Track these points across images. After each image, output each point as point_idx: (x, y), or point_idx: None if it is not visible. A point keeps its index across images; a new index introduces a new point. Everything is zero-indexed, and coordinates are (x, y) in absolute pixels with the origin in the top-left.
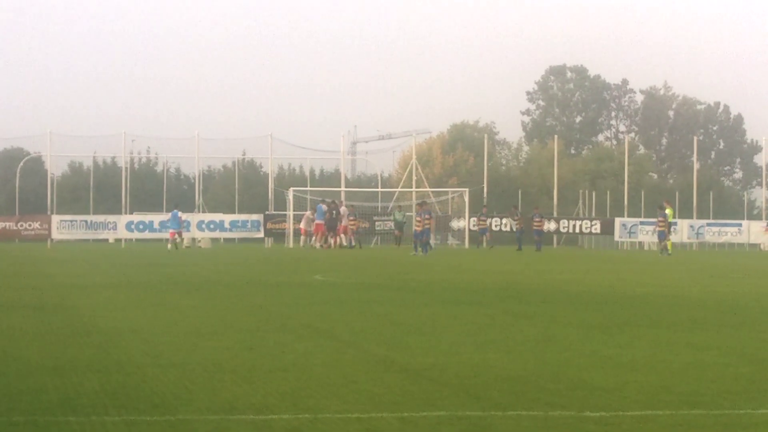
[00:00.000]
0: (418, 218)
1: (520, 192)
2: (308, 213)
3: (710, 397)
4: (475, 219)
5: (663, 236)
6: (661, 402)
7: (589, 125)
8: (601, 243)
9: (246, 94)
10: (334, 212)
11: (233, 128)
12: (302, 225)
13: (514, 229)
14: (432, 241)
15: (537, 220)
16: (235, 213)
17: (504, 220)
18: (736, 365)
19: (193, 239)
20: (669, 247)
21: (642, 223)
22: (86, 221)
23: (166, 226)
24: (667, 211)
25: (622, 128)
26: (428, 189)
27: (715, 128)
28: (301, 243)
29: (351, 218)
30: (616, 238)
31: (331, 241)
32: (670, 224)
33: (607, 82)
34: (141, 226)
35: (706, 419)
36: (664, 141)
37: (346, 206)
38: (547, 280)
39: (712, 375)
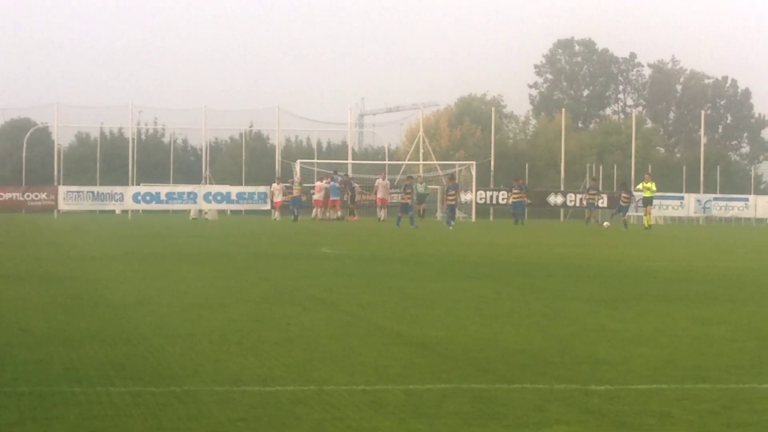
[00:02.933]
0: (452, 192)
1: (527, 165)
2: (322, 183)
3: (716, 371)
4: (584, 194)
5: (624, 210)
6: (666, 376)
7: (597, 99)
8: (608, 217)
9: (253, 65)
10: (348, 187)
11: (240, 100)
12: (316, 197)
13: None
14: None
15: (515, 191)
16: (242, 185)
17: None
18: (742, 340)
19: (200, 211)
20: (647, 222)
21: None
22: (93, 192)
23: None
24: (648, 184)
25: (629, 102)
26: (435, 162)
27: (722, 102)
28: (313, 215)
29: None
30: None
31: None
32: (649, 199)
33: (614, 56)
34: (148, 198)
35: (711, 393)
36: (671, 115)
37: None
38: (555, 254)
39: (718, 349)
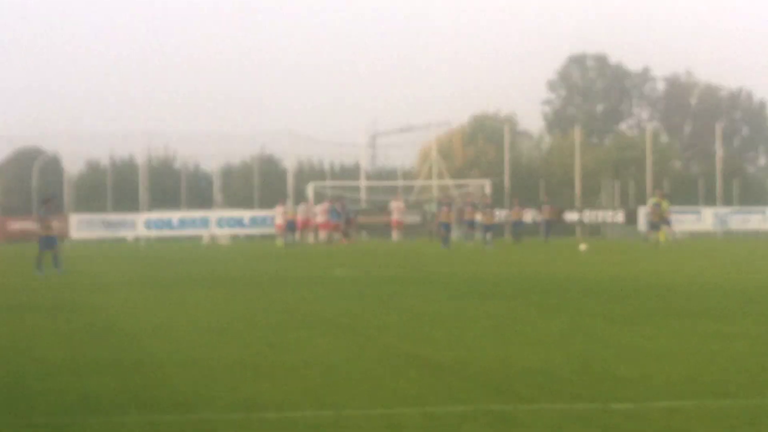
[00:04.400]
0: (487, 211)
1: (542, 182)
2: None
3: (737, 386)
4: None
5: (656, 226)
6: (687, 392)
7: (611, 114)
8: (625, 233)
9: (263, 87)
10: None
11: (251, 123)
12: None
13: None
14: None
15: (516, 210)
16: (254, 209)
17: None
18: (763, 354)
19: (213, 236)
20: (662, 237)
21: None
22: (104, 220)
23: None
24: (656, 200)
25: (644, 116)
26: (449, 181)
27: (738, 114)
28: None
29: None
30: (640, 227)
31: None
32: (662, 215)
33: (628, 70)
34: (160, 224)
35: (732, 409)
36: (686, 128)
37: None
38: (570, 272)
39: (739, 365)
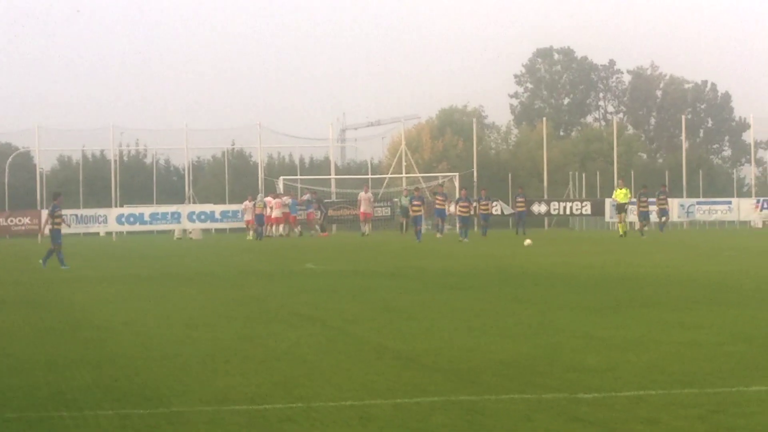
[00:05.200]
0: (464, 204)
1: (510, 175)
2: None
3: (703, 376)
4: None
5: (664, 213)
6: (653, 382)
7: (578, 107)
8: (592, 224)
9: (234, 83)
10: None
11: (222, 118)
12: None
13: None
14: (423, 227)
15: (483, 203)
16: (225, 203)
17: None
18: (728, 344)
19: (184, 230)
20: (622, 229)
21: (632, 203)
22: (76, 215)
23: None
24: (622, 191)
25: (610, 109)
26: (418, 174)
27: (703, 107)
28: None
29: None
30: (607, 218)
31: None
32: (623, 205)
33: (594, 63)
34: (132, 219)
35: (698, 398)
36: (652, 121)
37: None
38: (539, 263)
39: (704, 354)
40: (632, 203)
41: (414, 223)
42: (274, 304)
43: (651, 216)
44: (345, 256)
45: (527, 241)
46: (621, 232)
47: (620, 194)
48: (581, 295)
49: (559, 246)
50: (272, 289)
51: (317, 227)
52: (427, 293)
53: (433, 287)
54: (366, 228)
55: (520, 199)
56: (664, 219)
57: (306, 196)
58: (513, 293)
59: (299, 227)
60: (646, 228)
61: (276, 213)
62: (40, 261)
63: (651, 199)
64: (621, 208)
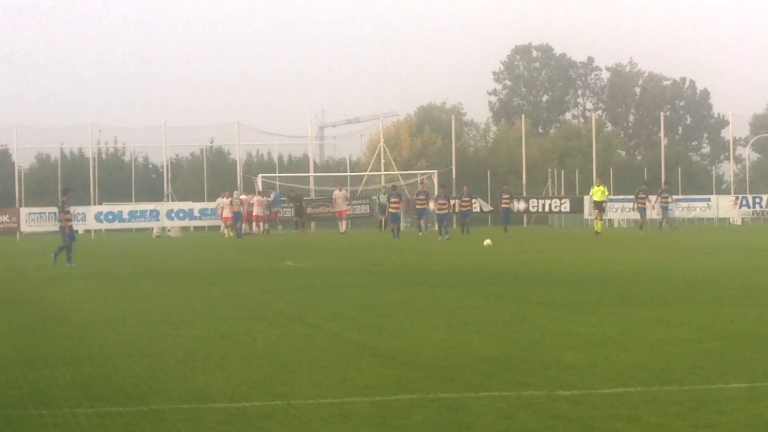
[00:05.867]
0: (442, 201)
1: (489, 172)
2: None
3: (682, 372)
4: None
5: (665, 211)
6: (632, 379)
7: (556, 104)
8: (571, 221)
9: (212, 81)
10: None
11: (200, 116)
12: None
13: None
14: (402, 224)
15: (465, 199)
16: (204, 201)
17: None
18: (707, 341)
19: (163, 228)
20: (598, 227)
21: (611, 200)
22: (55, 213)
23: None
24: (598, 188)
25: (589, 106)
26: (397, 172)
27: (681, 104)
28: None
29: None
30: (586, 215)
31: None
32: (600, 203)
33: (572, 60)
34: (110, 217)
35: (678, 395)
36: (631, 118)
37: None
38: (518, 260)
39: (683, 351)
40: (610, 201)
41: (391, 221)
42: (254, 302)
43: (647, 213)
44: (324, 253)
45: (487, 241)
46: (597, 230)
47: (597, 192)
48: (560, 293)
49: (537, 243)
50: (251, 286)
51: (298, 226)
52: (406, 291)
53: (411, 285)
54: (342, 226)
55: (505, 196)
56: (665, 216)
57: (272, 195)
58: (491, 290)
59: (280, 225)
60: (643, 224)
61: (257, 210)
62: (67, 264)
63: (706, 197)
64: (598, 206)
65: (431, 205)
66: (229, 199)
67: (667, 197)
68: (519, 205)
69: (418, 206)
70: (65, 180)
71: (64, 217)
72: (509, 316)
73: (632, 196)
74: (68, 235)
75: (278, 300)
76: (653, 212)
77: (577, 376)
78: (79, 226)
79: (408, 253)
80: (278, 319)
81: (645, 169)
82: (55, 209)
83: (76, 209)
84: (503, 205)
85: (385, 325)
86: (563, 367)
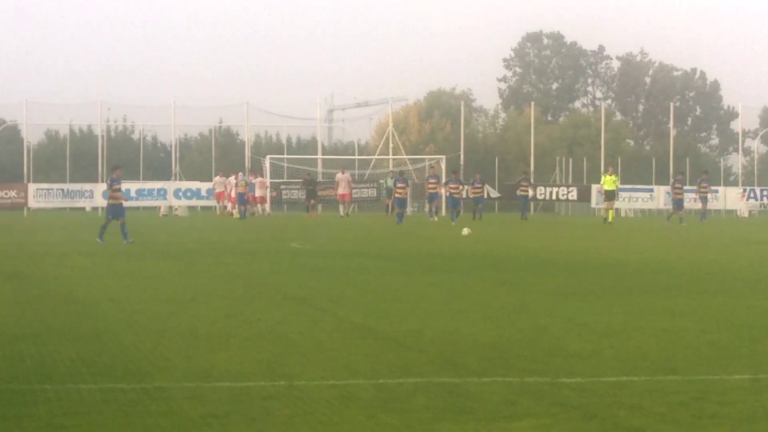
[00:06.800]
0: (454, 185)
1: (497, 159)
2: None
3: (685, 363)
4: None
5: (680, 205)
6: (636, 368)
7: (566, 92)
8: (578, 210)
9: (223, 61)
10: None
11: (210, 96)
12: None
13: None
14: (408, 209)
15: (477, 185)
16: (211, 181)
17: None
18: (711, 331)
19: (170, 207)
20: (610, 216)
21: (619, 189)
22: (63, 190)
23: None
24: (610, 177)
25: (598, 95)
26: (405, 156)
27: (691, 94)
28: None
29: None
30: (593, 204)
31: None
32: (611, 192)
33: (583, 49)
34: None
35: (681, 385)
36: (640, 107)
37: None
38: (524, 248)
39: (687, 341)
40: (621, 191)
41: (397, 205)
42: (259, 283)
43: (686, 204)
44: (330, 236)
45: (465, 230)
46: (609, 219)
47: (608, 181)
48: (565, 280)
49: (544, 231)
50: (257, 267)
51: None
52: (412, 275)
53: (417, 269)
54: (344, 210)
55: (524, 184)
56: (704, 207)
57: (256, 178)
58: (497, 277)
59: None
60: (682, 215)
61: (260, 192)
62: (97, 239)
63: (687, 188)
64: (610, 196)
65: (442, 190)
66: (224, 177)
67: (706, 187)
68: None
69: (429, 191)
70: (73, 157)
71: (114, 194)
72: (514, 302)
73: (643, 186)
74: (116, 211)
75: (283, 281)
76: (693, 203)
77: (580, 363)
78: (86, 204)
79: (413, 238)
80: (283, 300)
81: (653, 160)
82: (62, 185)
83: (84, 186)
84: (521, 192)
85: (389, 309)
86: (567, 354)
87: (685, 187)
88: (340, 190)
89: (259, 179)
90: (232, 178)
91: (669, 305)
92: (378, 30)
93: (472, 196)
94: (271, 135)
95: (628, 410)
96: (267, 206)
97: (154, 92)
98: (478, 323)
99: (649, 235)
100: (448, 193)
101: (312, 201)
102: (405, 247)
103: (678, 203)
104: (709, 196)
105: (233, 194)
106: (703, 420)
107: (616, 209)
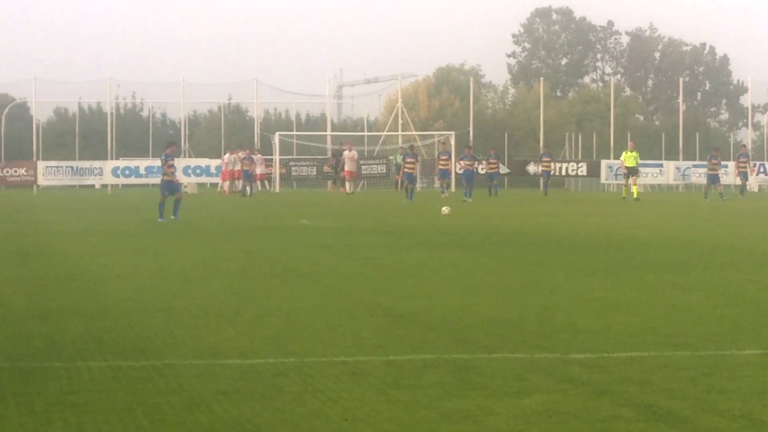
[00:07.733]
0: (468, 161)
1: (506, 135)
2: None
3: (695, 338)
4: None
5: (745, 177)
6: (646, 343)
7: (575, 67)
8: (588, 185)
9: (232, 38)
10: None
11: (219, 73)
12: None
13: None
14: (418, 186)
15: (492, 161)
16: (221, 158)
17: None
18: (720, 306)
19: (180, 184)
20: (635, 192)
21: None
22: (72, 167)
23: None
24: (631, 153)
25: (608, 70)
26: (414, 132)
27: (701, 69)
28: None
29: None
30: (602, 180)
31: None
32: (634, 169)
33: (592, 24)
34: (127, 172)
35: (690, 360)
36: (650, 82)
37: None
38: (533, 224)
39: (697, 316)
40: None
41: (406, 180)
42: (268, 260)
43: (721, 179)
44: (339, 213)
45: (444, 209)
46: (635, 195)
47: (630, 158)
48: (574, 256)
49: (553, 207)
50: (266, 244)
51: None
52: (421, 251)
53: (426, 245)
54: (349, 187)
55: (546, 159)
56: (744, 182)
57: (242, 154)
58: (506, 253)
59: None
60: (722, 190)
61: (261, 169)
62: (159, 219)
63: (724, 163)
64: (632, 172)
65: (456, 165)
66: (233, 155)
67: (745, 162)
68: (536, 169)
69: (441, 167)
70: (82, 134)
71: (168, 171)
72: (523, 278)
73: (652, 161)
74: (171, 187)
75: (292, 258)
76: (731, 178)
77: (590, 339)
78: (95, 181)
79: (422, 214)
80: (292, 277)
81: (663, 135)
82: (71, 163)
83: (93, 164)
84: (543, 168)
85: (398, 286)
86: (576, 330)
87: (722, 162)
88: (347, 168)
89: (259, 156)
90: (227, 155)
91: (678, 280)
92: (387, 6)
93: (488, 171)
94: (281, 112)
95: (638, 386)
96: (267, 183)
97: (163, 69)
98: (487, 299)
99: (657, 211)
100: (462, 169)
101: (344, 173)
102: (414, 223)
103: (713, 178)
104: (720, 172)
105: (235, 167)
106: (713, 395)
107: (622, 186)
